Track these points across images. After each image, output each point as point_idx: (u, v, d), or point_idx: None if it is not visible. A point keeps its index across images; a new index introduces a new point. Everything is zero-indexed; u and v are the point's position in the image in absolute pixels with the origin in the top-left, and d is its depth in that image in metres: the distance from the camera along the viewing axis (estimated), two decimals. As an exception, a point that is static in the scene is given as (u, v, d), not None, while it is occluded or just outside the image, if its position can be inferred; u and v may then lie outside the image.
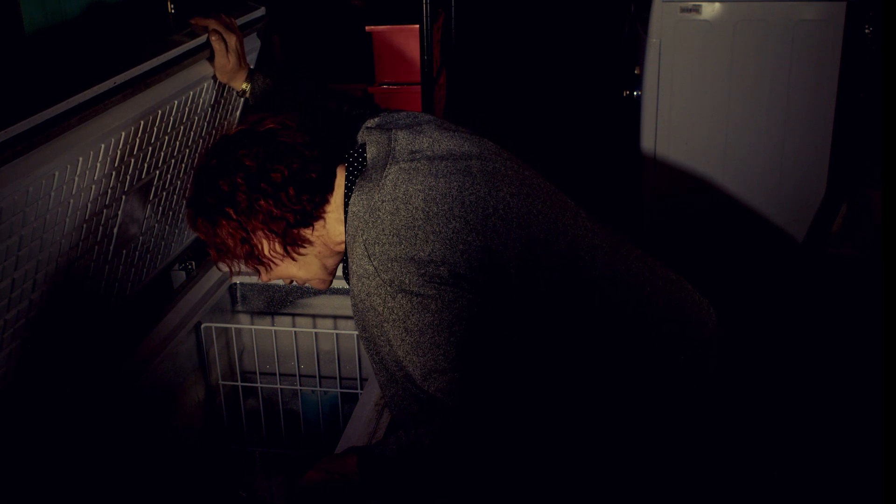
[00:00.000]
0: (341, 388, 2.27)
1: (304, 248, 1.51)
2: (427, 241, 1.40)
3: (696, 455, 1.59)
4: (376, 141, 1.53)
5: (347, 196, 1.50)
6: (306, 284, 1.62)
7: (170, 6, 2.06)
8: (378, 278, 1.40)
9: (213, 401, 2.28)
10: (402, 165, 1.47)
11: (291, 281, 1.61)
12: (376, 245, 1.41)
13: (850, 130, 3.54)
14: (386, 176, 1.46)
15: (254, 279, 2.32)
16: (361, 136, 1.57)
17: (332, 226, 1.52)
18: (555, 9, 6.22)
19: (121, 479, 1.85)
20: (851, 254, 3.51)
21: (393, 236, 1.41)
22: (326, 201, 1.51)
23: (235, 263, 1.53)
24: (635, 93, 3.67)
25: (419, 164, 1.47)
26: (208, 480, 2.19)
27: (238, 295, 2.35)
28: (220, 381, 2.28)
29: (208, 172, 1.48)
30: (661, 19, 3.49)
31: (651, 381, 1.51)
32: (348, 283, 1.60)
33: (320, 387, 2.30)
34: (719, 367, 1.61)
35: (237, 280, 2.32)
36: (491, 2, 5.91)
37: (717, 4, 3.43)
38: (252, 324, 2.35)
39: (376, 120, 1.59)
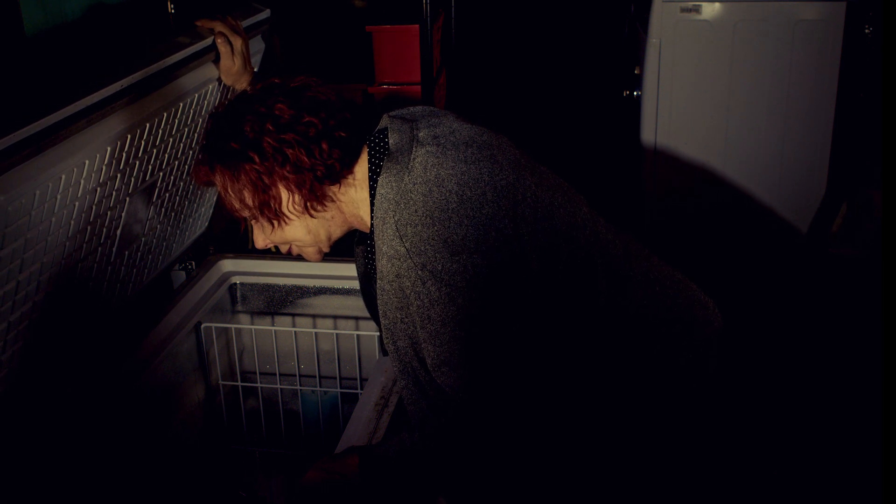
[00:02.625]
0: (341, 388, 2.27)
1: (325, 206, 1.47)
2: (461, 225, 1.38)
3: (698, 454, 1.60)
4: (398, 128, 1.51)
5: (372, 178, 1.48)
6: (299, 253, 1.58)
7: (170, 6, 2.06)
8: (410, 261, 1.38)
9: (213, 401, 2.28)
10: (429, 149, 1.46)
11: (288, 250, 1.56)
12: (409, 226, 1.39)
13: (850, 130, 3.54)
14: (414, 159, 1.45)
15: (253, 279, 2.32)
16: (383, 122, 1.55)
17: (354, 195, 1.50)
18: (555, 9, 6.22)
19: (121, 479, 1.85)
20: (851, 254, 3.51)
21: (426, 217, 1.38)
22: (352, 169, 1.48)
23: (245, 214, 1.48)
24: (635, 93, 3.67)
25: (446, 150, 1.46)
26: (208, 480, 2.19)
27: (238, 295, 2.35)
28: (220, 381, 2.28)
29: (231, 119, 1.44)
30: (661, 19, 3.49)
31: (656, 380, 1.51)
32: (360, 272, 1.60)
33: (320, 387, 2.30)
34: (722, 365, 1.61)
35: (237, 280, 2.32)
36: (491, 2, 5.91)
37: (717, 4, 3.43)
38: (252, 324, 2.35)
39: (395, 112, 1.58)
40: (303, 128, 1.42)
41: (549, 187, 1.51)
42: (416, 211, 1.39)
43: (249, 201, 1.44)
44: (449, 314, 1.36)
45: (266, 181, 1.42)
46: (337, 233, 1.55)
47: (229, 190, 1.45)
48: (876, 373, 2.76)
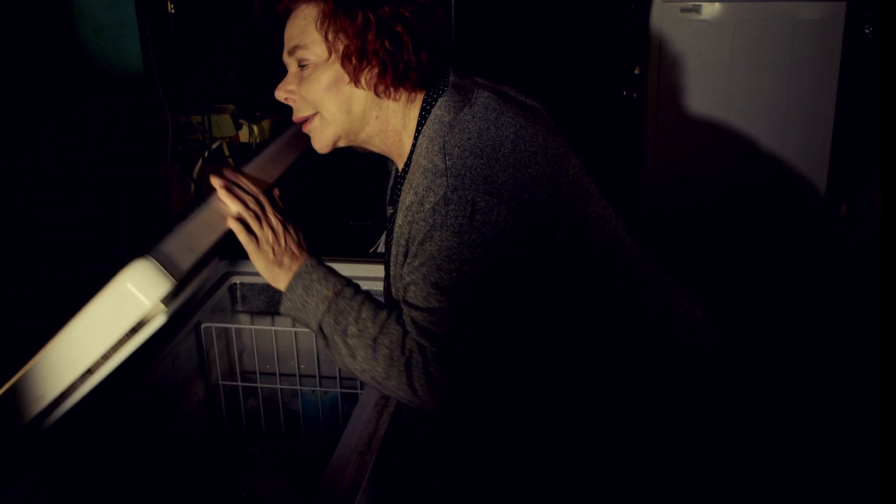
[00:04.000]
0: (341, 388, 2.27)
1: (388, 96, 1.46)
2: (506, 172, 1.36)
3: (696, 453, 1.59)
4: (457, 75, 1.51)
5: (428, 102, 1.47)
6: (308, 131, 1.53)
7: (170, 6, 2.06)
8: (445, 178, 1.34)
9: (213, 401, 2.28)
10: (491, 95, 1.47)
11: (308, 119, 1.51)
12: (457, 149, 1.37)
13: (850, 130, 3.54)
14: (476, 97, 1.45)
15: (253, 279, 2.32)
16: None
17: (407, 112, 1.49)
18: (555, 8, 6.21)
19: (121, 478, 1.85)
20: (851, 253, 3.51)
21: (477, 149, 1.37)
22: (419, 91, 1.47)
23: (305, 53, 1.46)
24: (635, 93, 3.68)
25: (507, 103, 1.47)
26: (208, 480, 2.19)
27: (238, 295, 2.35)
28: (221, 381, 2.28)
29: None
30: (661, 19, 3.50)
31: (660, 379, 1.51)
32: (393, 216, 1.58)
33: (320, 387, 2.29)
34: (720, 372, 1.62)
35: (237, 280, 2.32)
36: (491, 2, 5.90)
37: (717, 4, 3.43)
38: (252, 324, 2.34)
39: None
40: (418, 23, 1.42)
41: (585, 176, 1.51)
42: (468, 139, 1.38)
43: (334, 39, 1.43)
44: (449, 246, 1.32)
45: (368, 36, 1.41)
46: (363, 136, 1.51)
47: (323, 23, 1.43)
48: (876, 373, 2.75)
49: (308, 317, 1.46)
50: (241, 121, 2.57)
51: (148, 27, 2.24)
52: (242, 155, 2.63)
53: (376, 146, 1.54)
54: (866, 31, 3.41)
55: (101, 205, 2.11)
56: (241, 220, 1.50)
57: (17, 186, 1.78)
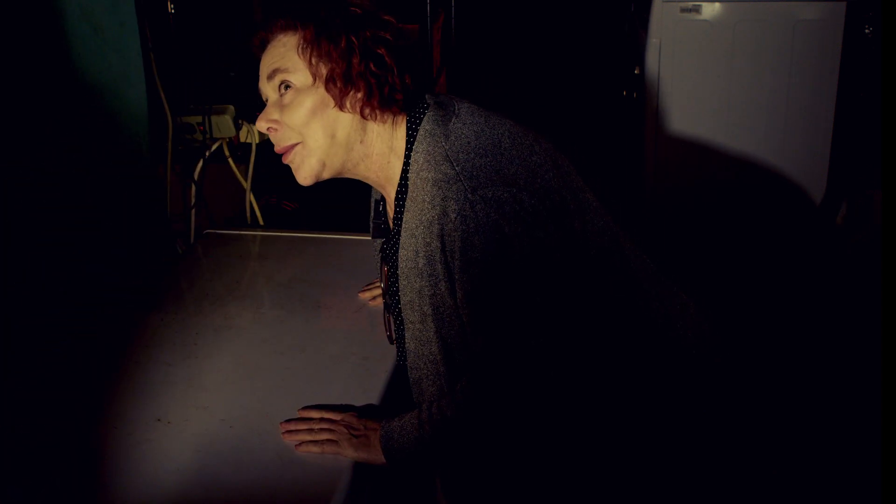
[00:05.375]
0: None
1: (374, 118, 1.44)
2: (513, 163, 1.35)
3: (697, 453, 1.59)
4: (432, 93, 1.51)
5: (413, 121, 1.45)
6: (290, 162, 1.48)
7: (170, 6, 2.06)
8: (461, 183, 1.32)
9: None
10: (472, 106, 1.47)
11: (290, 148, 1.46)
12: (461, 154, 1.36)
13: (850, 130, 3.54)
14: (459, 108, 1.45)
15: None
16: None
17: (394, 133, 1.47)
18: (555, 9, 6.22)
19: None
20: (851, 254, 3.51)
21: (479, 149, 1.36)
22: (402, 113, 1.46)
23: (288, 76, 1.44)
24: (635, 93, 3.68)
25: (489, 111, 1.48)
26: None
27: (238, 295, 2.34)
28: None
29: (337, 3, 1.44)
30: (661, 19, 3.50)
31: (656, 378, 1.51)
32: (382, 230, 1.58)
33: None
34: (720, 369, 1.61)
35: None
36: (491, 2, 5.91)
37: (717, 4, 3.43)
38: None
39: None
40: (399, 46, 1.42)
41: (578, 175, 1.52)
42: (468, 142, 1.37)
43: (318, 63, 1.41)
44: (493, 240, 1.30)
45: (352, 60, 1.40)
46: (348, 164, 1.48)
47: (304, 49, 1.42)
48: (876, 374, 2.75)
49: (410, 443, 1.45)
50: (241, 121, 2.56)
51: (148, 27, 2.24)
52: (242, 155, 2.63)
53: (361, 174, 1.51)
54: (866, 31, 3.42)
55: (101, 205, 2.11)
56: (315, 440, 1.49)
57: (17, 186, 1.77)
